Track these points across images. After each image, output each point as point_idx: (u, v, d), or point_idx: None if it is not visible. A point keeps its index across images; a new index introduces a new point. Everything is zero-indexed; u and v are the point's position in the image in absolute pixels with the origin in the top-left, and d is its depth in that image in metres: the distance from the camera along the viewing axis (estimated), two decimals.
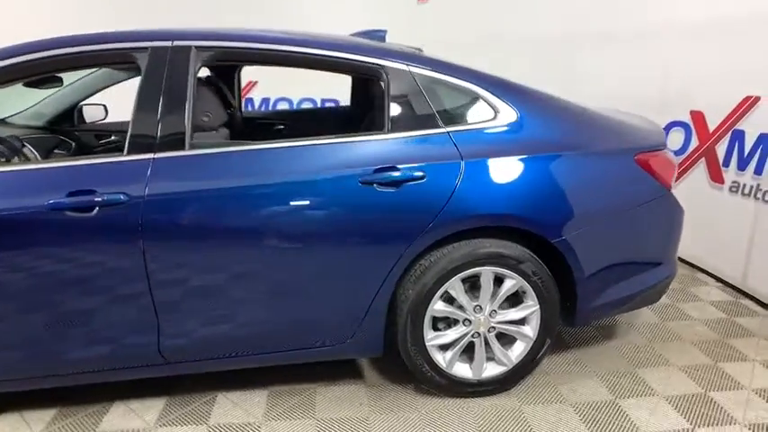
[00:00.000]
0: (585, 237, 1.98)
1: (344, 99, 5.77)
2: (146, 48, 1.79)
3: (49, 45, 1.75)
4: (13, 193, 1.67)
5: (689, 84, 3.27)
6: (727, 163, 3.06)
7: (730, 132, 3.02)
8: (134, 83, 2.85)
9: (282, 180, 1.79)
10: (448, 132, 1.91)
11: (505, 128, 1.96)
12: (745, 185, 2.94)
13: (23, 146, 2.15)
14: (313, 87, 5.78)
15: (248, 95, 5.98)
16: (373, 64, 1.92)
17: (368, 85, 3.12)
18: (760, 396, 2.11)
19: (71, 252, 1.69)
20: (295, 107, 6.12)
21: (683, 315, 2.78)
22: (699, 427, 1.93)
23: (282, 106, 6.08)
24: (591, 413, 2.01)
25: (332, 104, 5.51)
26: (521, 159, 1.92)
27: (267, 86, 5.99)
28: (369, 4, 5.55)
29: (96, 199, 1.66)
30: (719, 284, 3.13)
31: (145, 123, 1.75)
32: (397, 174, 1.82)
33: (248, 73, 5.66)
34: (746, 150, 2.92)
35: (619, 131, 2.13)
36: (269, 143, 1.84)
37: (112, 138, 3.12)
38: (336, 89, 5.42)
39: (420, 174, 1.83)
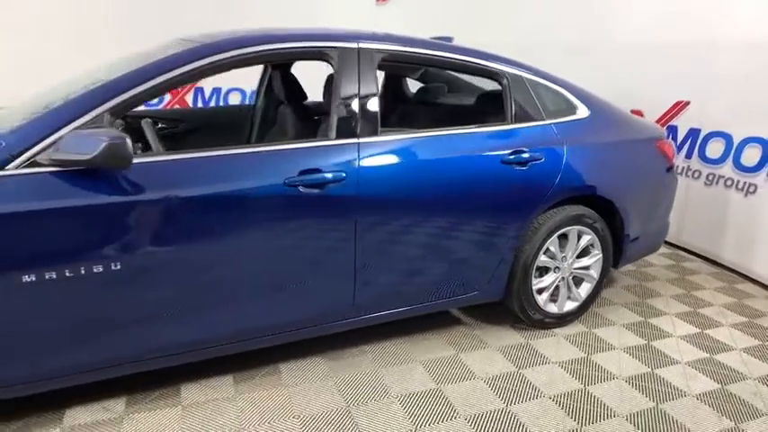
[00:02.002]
0: (631, 201, 2.72)
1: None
2: (337, 47, 2.09)
3: (261, 40, 1.96)
4: (249, 171, 1.87)
5: (630, 88, 4.26)
6: None
7: (666, 127, 4.06)
8: None
9: (450, 157, 2.23)
10: (551, 124, 2.51)
11: (583, 121, 2.61)
12: (677, 167, 3.99)
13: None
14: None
15: (198, 85, 5.92)
16: (499, 70, 2.43)
17: (399, 83, 3.57)
18: (728, 309, 3.06)
19: (300, 222, 1.95)
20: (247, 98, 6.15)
21: (648, 263, 3.72)
22: (705, 330, 2.80)
23: (235, 96, 6.10)
24: (639, 329, 2.77)
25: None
26: (595, 145, 2.60)
27: (219, 77, 5.96)
28: (328, 3, 5.85)
29: (327, 175, 1.94)
30: None
31: (346, 113, 2.05)
32: (526, 156, 2.37)
33: None
34: (678, 140, 3.98)
35: (642, 125, 2.92)
36: (435, 131, 2.25)
37: (160, 125, 3.17)
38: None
39: (540, 155, 2.40)
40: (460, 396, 2.14)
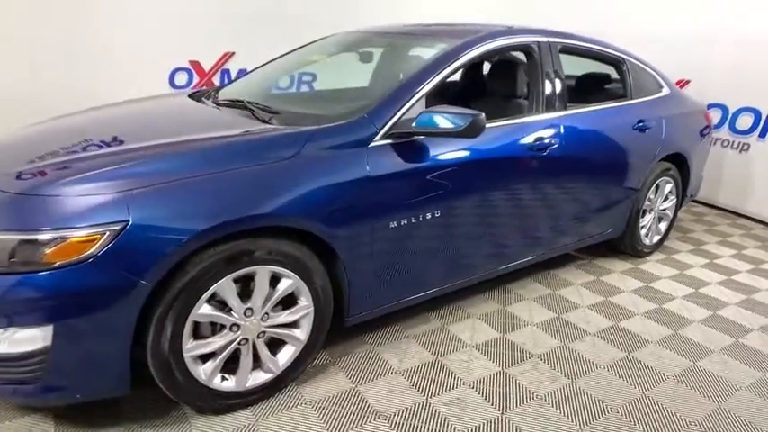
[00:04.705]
0: (694, 157, 3.60)
1: None
2: (537, 42, 2.68)
3: (496, 36, 2.51)
4: (503, 138, 2.44)
5: None
6: None
7: None
8: None
9: (607, 124, 2.93)
10: (652, 99, 3.29)
11: (668, 97, 3.43)
12: None
13: None
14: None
15: (225, 66, 6.09)
16: (623, 57, 3.17)
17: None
18: (745, 237, 4.11)
19: (535, 176, 2.56)
20: None
21: None
22: (741, 251, 3.79)
23: None
24: (700, 254, 3.69)
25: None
26: (677, 116, 3.42)
27: (245, 58, 6.15)
28: None
29: (547, 141, 2.56)
30: None
31: (548, 92, 2.66)
32: (644, 124, 3.13)
33: (224, 44, 5.89)
34: None
35: (693, 99, 3.80)
36: (595, 105, 2.94)
37: None
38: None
39: (651, 124, 3.17)
40: (626, 302, 2.89)
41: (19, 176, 1.70)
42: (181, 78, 5.81)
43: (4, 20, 4.39)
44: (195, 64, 5.85)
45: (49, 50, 4.63)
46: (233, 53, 5.95)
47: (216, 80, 5.92)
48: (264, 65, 3.32)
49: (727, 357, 2.43)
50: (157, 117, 2.39)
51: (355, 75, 3.32)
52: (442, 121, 2.02)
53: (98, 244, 1.50)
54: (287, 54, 3.28)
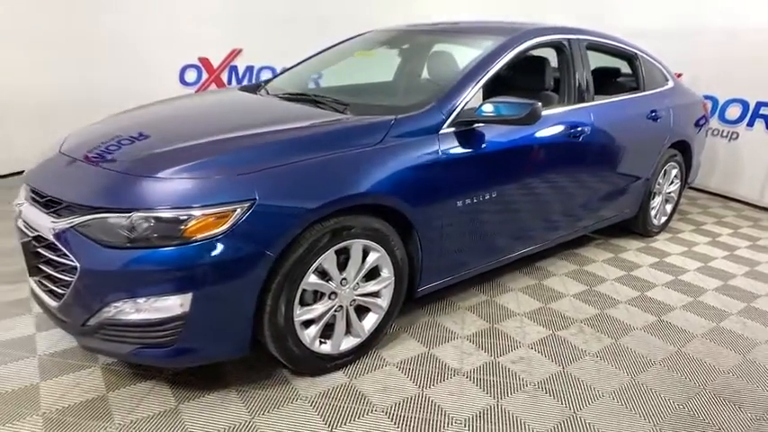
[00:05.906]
0: (695, 141, 3.93)
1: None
2: (568, 39, 2.94)
3: (535, 33, 2.76)
4: (547, 126, 2.68)
5: None
6: None
7: None
8: None
9: (625, 114, 3.22)
10: (661, 91, 3.60)
11: (673, 89, 3.75)
12: None
13: None
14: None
15: (232, 63, 6.20)
16: (635, 53, 3.46)
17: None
18: (737, 218, 4.48)
19: (567, 159, 2.83)
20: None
21: None
22: (738, 230, 4.15)
23: (266, 74, 6.41)
24: (702, 232, 4.04)
25: None
26: (681, 106, 3.74)
27: (252, 55, 6.27)
28: None
29: (580, 129, 2.82)
30: None
31: (580, 85, 2.93)
32: (656, 113, 3.43)
33: (232, 41, 6.02)
34: None
35: (692, 91, 4.13)
36: (614, 96, 3.21)
37: None
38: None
39: (661, 114, 3.48)
40: (646, 275, 3.19)
41: (142, 160, 1.86)
42: (190, 75, 5.92)
43: (13, 19, 4.41)
44: (204, 60, 5.94)
45: (61, 49, 4.67)
46: (240, 50, 6.05)
47: (224, 77, 6.04)
48: (302, 62, 3.48)
49: (744, 319, 2.74)
50: (242, 108, 2.56)
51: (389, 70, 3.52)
52: (504, 110, 2.25)
53: (231, 220, 1.69)
54: (323, 51, 3.46)
